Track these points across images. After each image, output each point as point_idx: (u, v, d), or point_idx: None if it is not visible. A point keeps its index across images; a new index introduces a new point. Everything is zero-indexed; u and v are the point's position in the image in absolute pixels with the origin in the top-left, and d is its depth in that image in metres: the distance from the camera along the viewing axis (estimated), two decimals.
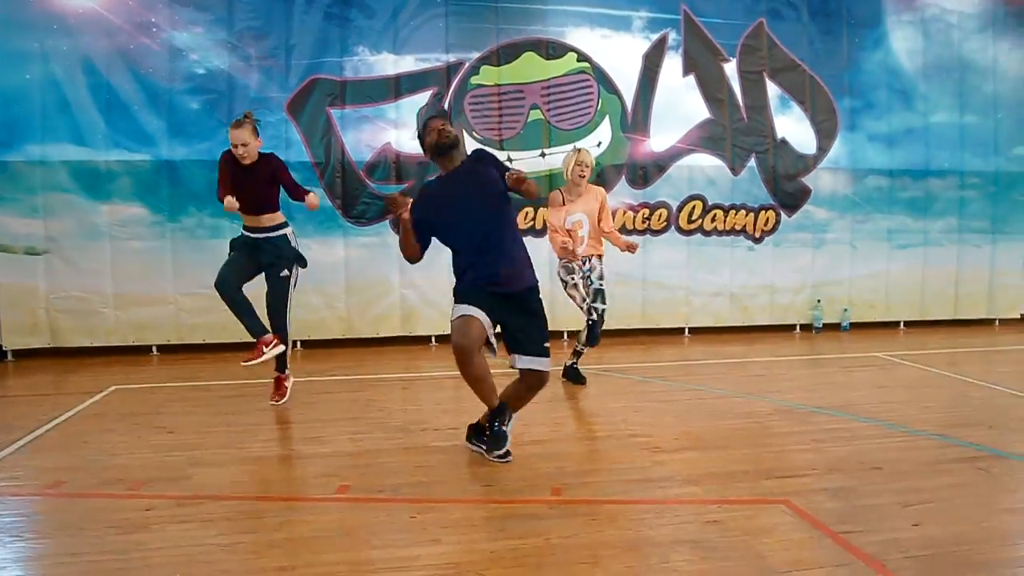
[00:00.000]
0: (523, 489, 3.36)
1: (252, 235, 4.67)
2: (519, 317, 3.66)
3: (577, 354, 5.30)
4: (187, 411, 4.78)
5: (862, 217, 7.77)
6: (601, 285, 5.14)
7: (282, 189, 4.64)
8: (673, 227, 7.41)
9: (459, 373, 3.55)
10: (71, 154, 6.33)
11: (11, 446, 4.01)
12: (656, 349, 6.97)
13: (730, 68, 7.41)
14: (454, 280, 3.77)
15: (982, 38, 7.92)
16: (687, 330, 7.60)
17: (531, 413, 4.30)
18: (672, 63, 7.32)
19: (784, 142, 7.54)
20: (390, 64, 6.87)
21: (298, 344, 6.86)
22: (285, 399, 4.85)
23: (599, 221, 5.18)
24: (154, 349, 6.70)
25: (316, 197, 4.54)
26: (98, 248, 6.43)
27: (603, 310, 5.12)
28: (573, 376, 5.32)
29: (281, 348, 4.67)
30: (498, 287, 3.59)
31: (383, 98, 6.87)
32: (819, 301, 7.72)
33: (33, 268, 6.35)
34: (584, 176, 5.10)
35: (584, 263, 5.14)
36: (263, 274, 4.70)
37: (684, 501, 3.20)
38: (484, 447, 3.71)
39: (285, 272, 4.67)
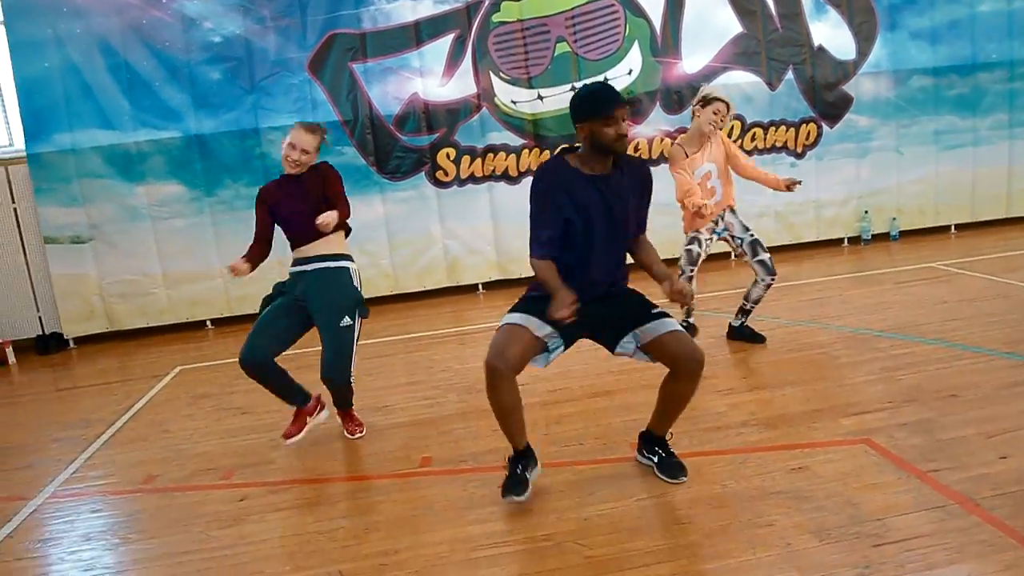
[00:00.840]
0: (603, 448, 3.39)
1: (300, 268, 3.54)
2: (608, 305, 2.90)
3: (745, 312, 4.72)
4: (255, 387, 4.80)
5: (908, 121, 7.48)
6: (752, 235, 4.49)
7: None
8: None
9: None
10: (100, 139, 6.31)
11: (96, 441, 4.16)
12: (705, 277, 6.88)
13: None
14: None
15: None
16: (733, 254, 7.50)
17: (589, 363, 4.35)
18: None
19: (821, 49, 7.22)
20: (408, 10, 6.65)
21: None
22: (363, 431, 3.83)
23: (735, 166, 4.52)
24: (208, 323, 6.82)
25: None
26: (141, 230, 6.49)
27: (770, 258, 4.49)
28: (749, 335, 4.71)
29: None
30: (584, 295, 2.77)
31: (405, 47, 6.68)
32: (866, 212, 7.55)
33: (82, 256, 6.44)
34: (719, 127, 4.35)
35: (717, 223, 4.50)
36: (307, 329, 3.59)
37: (765, 448, 3.22)
38: (654, 460, 3.08)
39: (347, 320, 3.47)
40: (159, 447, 4.00)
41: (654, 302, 2.95)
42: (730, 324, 4.82)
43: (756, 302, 4.65)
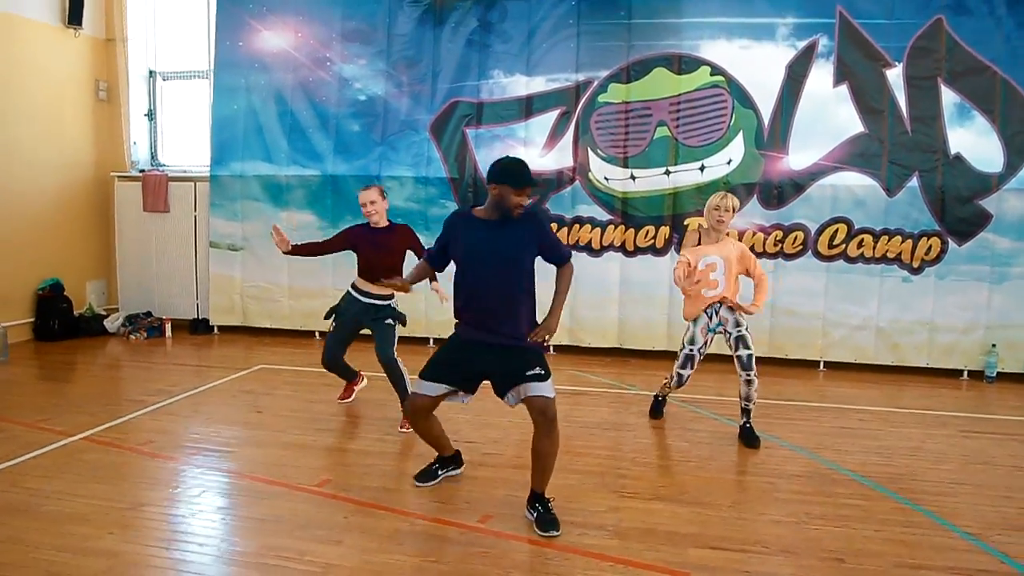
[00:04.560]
0: (459, 511, 3.64)
1: (363, 299, 4.93)
2: (503, 358, 3.48)
3: (745, 412, 4.78)
4: (288, 395, 5.77)
5: None
6: (741, 332, 4.60)
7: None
8: (810, 251, 6.81)
9: None
10: (262, 170, 7.76)
11: (145, 408, 5.26)
12: (783, 384, 6.44)
13: (894, 74, 6.56)
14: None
15: None
16: (822, 363, 6.97)
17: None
18: (821, 72, 6.70)
19: (959, 158, 6.48)
20: (522, 85, 7.26)
21: (431, 341, 7.66)
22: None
23: (750, 270, 4.72)
24: (317, 335, 7.95)
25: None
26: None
27: (748, 356, 4.59)
28: (746, 438, 4.74)
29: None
30: (487, 338, 3.51)
31: (514, 118, 7.29)
32: (994, 345, 6.54)
33: (233, 261, 7.94)
34: (721, 221, 4.57)
35: (711, 317, 4.68)
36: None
37: (586, 553, 3.24)
38: (533, 516, 3.54)
39: (389, 321, 4.93)
40: (179, 422, 4.99)
41: (537, 364, 3.46)
42: (740, 425, 4.85)
43: (747, 399, 4.72)
